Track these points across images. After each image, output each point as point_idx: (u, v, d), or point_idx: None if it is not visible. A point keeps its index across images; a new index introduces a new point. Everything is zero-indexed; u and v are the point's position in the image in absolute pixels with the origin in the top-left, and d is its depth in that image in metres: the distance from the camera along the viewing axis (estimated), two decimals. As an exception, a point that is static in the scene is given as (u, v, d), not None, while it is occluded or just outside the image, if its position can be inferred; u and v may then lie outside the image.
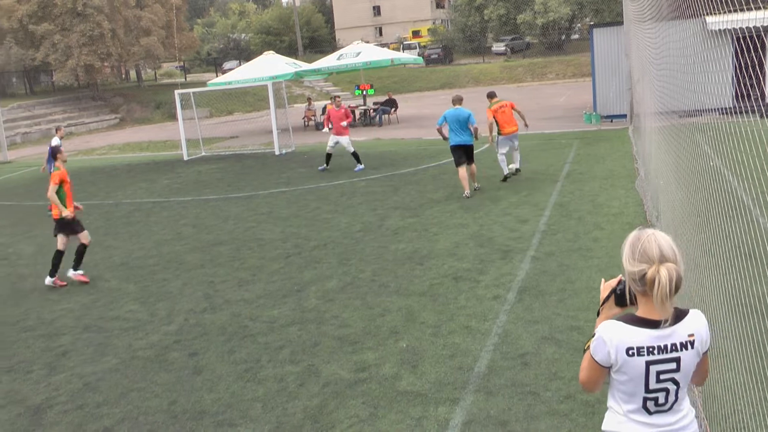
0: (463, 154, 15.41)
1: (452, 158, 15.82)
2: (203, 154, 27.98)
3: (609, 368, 3.26)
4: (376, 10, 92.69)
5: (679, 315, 3.22)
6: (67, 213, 11.29)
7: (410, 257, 11.22)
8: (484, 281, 9.74)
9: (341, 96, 25.21)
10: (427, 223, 13.34)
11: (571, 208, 13.38)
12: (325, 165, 20.87)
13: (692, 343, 3.20)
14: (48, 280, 11.50)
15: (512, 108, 16.50)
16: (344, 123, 20.33)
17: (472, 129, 15.25)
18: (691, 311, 3.29)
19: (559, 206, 13.61)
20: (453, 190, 16.01)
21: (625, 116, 24.04)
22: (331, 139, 20.62)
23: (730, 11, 4.75)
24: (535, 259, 10.47)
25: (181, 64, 71.18)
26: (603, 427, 3.44)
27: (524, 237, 11.76)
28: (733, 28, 4.92)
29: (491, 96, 16.71)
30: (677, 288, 3.09)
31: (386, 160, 21.77)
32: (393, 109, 34.29)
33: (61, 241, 11.50)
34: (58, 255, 11.46)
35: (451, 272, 10.25)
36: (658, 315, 3.14)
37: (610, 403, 3.39)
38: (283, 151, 26.30)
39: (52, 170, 16.16)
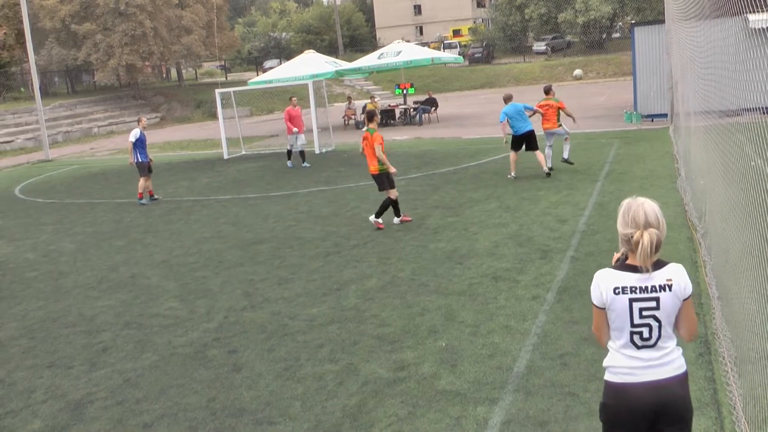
0: (525, 141, 16.82)
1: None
2: (243, 152, 28.17)
3: (604, 310, 4.00)
4: (417, 9, 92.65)
5: (659, 264, 3.94)
6: (393, 170, 13.35)
7: (450, 256, 11.19)
8: (523, 281, 9.69)
9: (380, 95, 25.38)
10: (467, 222, 13.30)
11: (611, 208, 13.25)
12: (290, 162, 23.08)
13: (670, 287, 3.90)
14: (371, 218, 13.54)
15: (559, 108, 17.42)
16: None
17: (529, 114, 17.06)
18: (671, 264, 3.96)
19: (599, 206, 13.49)
20: (493, 190, 15.97)
21: (665, 116, 23.76)
22: (298, 138, 22.57)
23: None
24: (575, 260, 10.40)
25: (222, 63, 71.72)
26: (604, 364, 4.12)
27: (564, 237, 11.68)
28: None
29: (545, 91, 17.95)
30: (657, 249, 3.85)
31: (426, 159, 21.76)
32: (433, 108, 34.23)
33: (393, 193, 13.46)
34: (389, 202, 13.44)
35: (491, 272, 10.21)
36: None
37: (609, 343, 4.10)
38: (323, 150, 26.38)
39: (144, 158, 18.13)
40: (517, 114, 16.73)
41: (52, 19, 48.10)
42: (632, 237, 3.86)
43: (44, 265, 13.15)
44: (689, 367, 6.63)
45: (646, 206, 3.89)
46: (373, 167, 13.29)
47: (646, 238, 3.81)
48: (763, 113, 5.38)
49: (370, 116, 13.54)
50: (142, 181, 18.72)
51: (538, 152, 16.93)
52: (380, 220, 13.39)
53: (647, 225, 3.84)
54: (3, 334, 9.72)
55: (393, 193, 13.39)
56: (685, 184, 13.54)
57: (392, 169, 13.28)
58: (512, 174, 17.04)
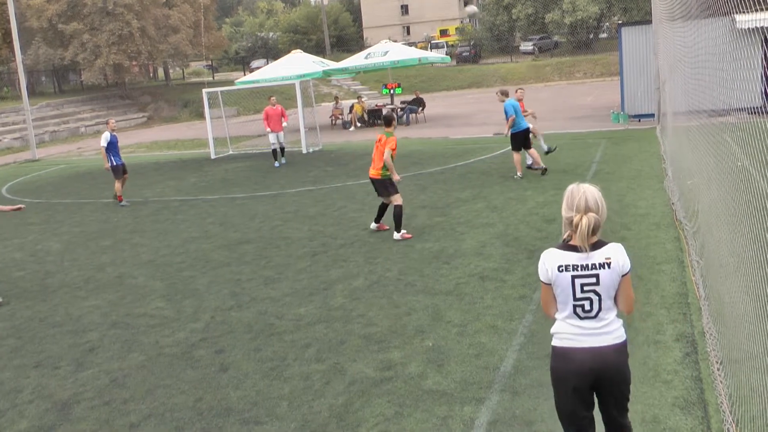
0: (526, 139, 16.75)
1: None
2: (231, 152, 28.11)
3: (551, 285, 4.43)
4: (404, 9, 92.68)
5: (599, 245, 4.37)
6: (397, 178, 12.59)
7: (437, 256, 11.20)
8: (510, 281, 9.70)
9: (367, 95, 25.43)
10: (453, 222, 13.31)
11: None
12: (277, 162, 23.40)
13: (609, 264, 4.33)
14: (396, 235, 12.53)
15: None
16: (284, 123, 23.49)
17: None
18: (611, 243, 4.40)
19: (587, 206, 13.46)
20: (480, 190, 15.98)
21: (653, 116, 23.84)
22: (272, 137, 23.36)
23: (759, 9, 4.71)
24: (562, 259, 10.39)
25: (209, 62, 71.55)
26: (551, 331, 4.58)
27: (551, 237, 11.70)
28: (763, 27, 4.87)
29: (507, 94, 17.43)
30: (595, 231, 4.28)
31: (413, 159, 21.74)
32: (420, 108, 34.24)
33: (397, 198, 12.61)
34: (400, 210, 12.57)
35: (478, 271, 10.22)
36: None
37: (556, 314, 4.53)
38: (311, 150, 26.36)
39: (118, 161, 18.19)
40: (517, 109, 16.66)
41: (39, 18, 47.94)
42: (573, 220, 4.30)
43: (31, 265, 13.08)
44: (676, 366, 6.70)
45: (587, 192, 4.30)
46: (376, 171, 12.56)
47: (585, 221, 4.24)
48: (750, 113, 5.40)
49: (388, 121, 12.80)
50: (117, 184, 18.59)
51: (533, 150, 16.98)
52: (404, 231, 12.59)
53: (587, 209, 4.25)
54: (-12, 334, 9.69)
55: (398, 198, 12.58)
56: (672, 184, 13.59)
57: (396, 177, 12.57)
58: (519, 174, 16.82)
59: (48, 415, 7.11)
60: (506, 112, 16.64)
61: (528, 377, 6.84)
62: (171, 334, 8.96)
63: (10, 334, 9.53)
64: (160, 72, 68.64)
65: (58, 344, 9.01)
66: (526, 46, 66.04)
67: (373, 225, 13.27)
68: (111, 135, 18.34)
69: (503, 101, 16.85)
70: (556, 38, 67.27)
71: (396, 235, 12.53)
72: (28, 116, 34.81)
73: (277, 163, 23.29)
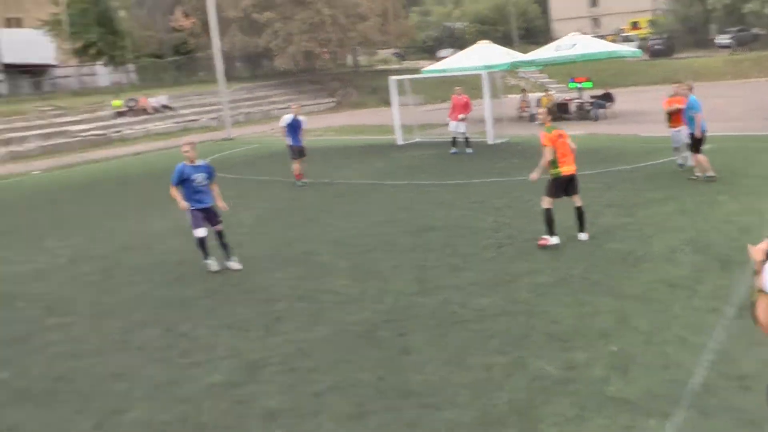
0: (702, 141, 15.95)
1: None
2: (417, 139, 28.43)
3: None
4: (593, 1, 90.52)
5: None
6: (535, 176, 11.94)
7: (624, 258, 10.87)
8: (701, 291, 9.24)
9: (554, 88, 25.13)
10: (641, 223, 12.85)
11: (802, 220, 12.43)
12: (454, 148, 23.61)
13: None
14: (583, 236, 11.92)
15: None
16: (461, 116, 23.43)
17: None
18: None
19: (788, 217, 12.67)
20: (670, 191, 15.29)
21: None
22: (452, 125, 23.81)
23: None
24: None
25: (397, 50, 72.53)
26: None
27: (746, 248, 11.07)
28: None
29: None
30: None
31: (600, 155, 21.19)
32: (609, 104, 33.32)
33: (547, 200, 11.88)
34: (547, 213, 11.86)
35: (666, 278, 9.82)
36: None
37: None
38: (497, 141, 26.23)
39: (295, 143, 18.83)
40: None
41: (235, 8, 50.69)
42: None
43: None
44: None
45: None
46: (575, 167, 11.93)
47: None
48: None
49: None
50: (296, 164, 19.34)
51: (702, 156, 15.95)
52: (586, 233, 11.94)
53: None
54: (188, 293, 10.55)
55: (577, 200, 11.96)
56: None
57: (533, 176, 12.00)
58: (711, 172, 15.77)
59: (238, 372, 7.63)
60: (693, 108, 15.60)
61: (718, 398, 6.49)
62: (355, 312, 9.25)
63: (204, 296, 10.32)
64: (350, 58, 70.23)
65: (248, 309, 9.60)
66: (722, 39, 62.55)
67: (583, 235, 12.04)
68: (293, 118, 19.13)
69: (688, 96, 15.92)
70: (755, 30, 63.30)
71: (585, 236, 11.98)
72: (224, 98, 36.99)
73: (453, 150, 23.59)
